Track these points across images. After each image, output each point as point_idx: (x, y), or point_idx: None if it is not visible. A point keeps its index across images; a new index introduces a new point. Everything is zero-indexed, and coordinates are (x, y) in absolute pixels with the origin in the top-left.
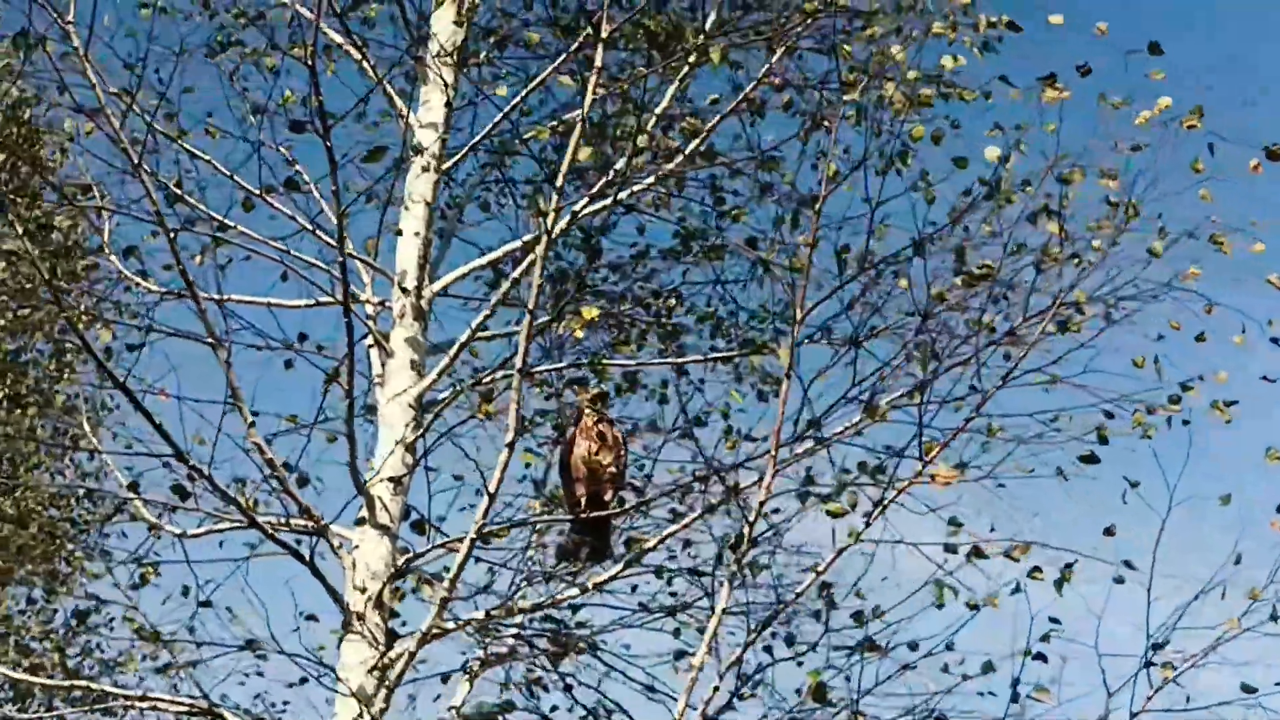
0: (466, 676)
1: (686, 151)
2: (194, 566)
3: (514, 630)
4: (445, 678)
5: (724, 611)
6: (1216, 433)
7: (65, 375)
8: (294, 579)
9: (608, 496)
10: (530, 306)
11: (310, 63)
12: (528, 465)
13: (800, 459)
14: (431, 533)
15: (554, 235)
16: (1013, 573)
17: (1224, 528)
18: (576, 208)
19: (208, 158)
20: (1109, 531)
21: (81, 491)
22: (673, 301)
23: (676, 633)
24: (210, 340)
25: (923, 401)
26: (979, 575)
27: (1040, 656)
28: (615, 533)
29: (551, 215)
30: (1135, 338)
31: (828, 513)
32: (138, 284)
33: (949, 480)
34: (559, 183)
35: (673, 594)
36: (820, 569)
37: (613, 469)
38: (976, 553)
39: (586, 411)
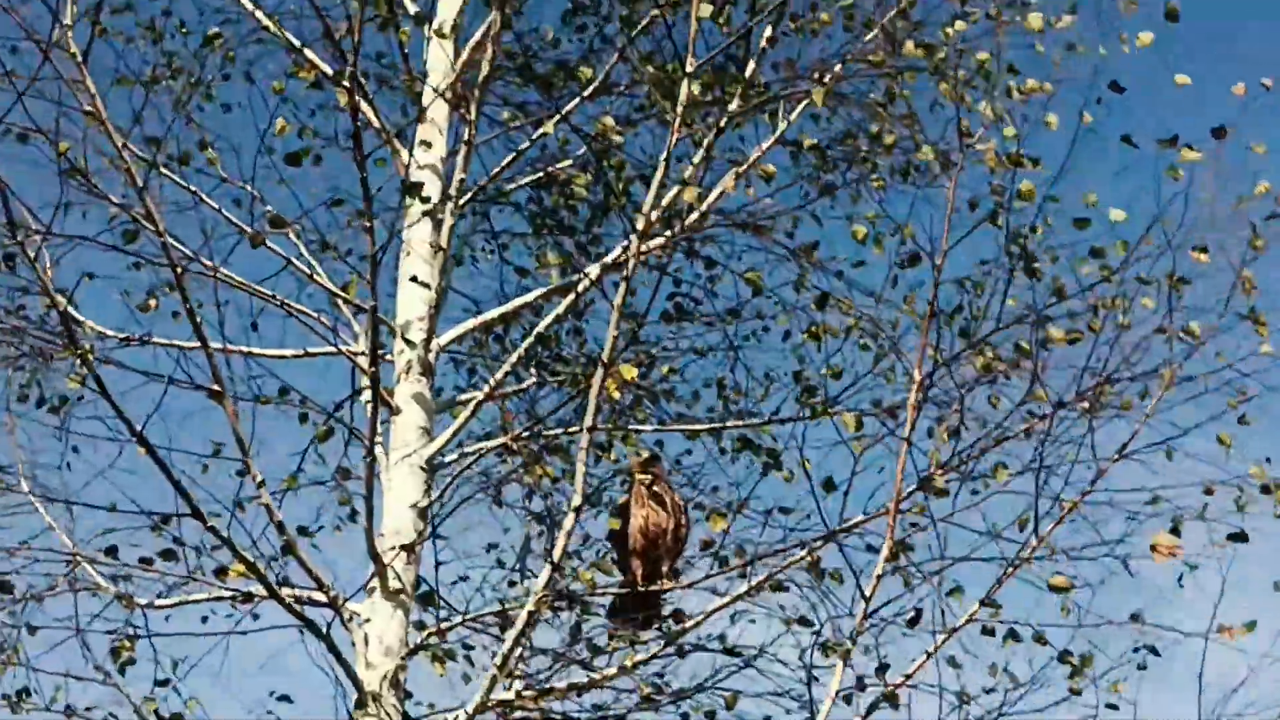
0: None
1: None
2: (155, 643)
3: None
4: None
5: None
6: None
7: None
8: (273, 659)
9: (665, 568)
10: (606, 358)
11: (349, 85)
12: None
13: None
14: (440, 605)
15: (630, 275)
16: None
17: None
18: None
19: (194, 189)
20: (1135, 618)
21: None
22: (666, 369)
23: (685, 717)
24: (215, 389)
25: (1039, 467)
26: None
27: None
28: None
29: (634, 259)
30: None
31: (1050, 587)
32: (87, 326)
33: (1173, 551)
34: (641, 225)
35: (659, 677)
36: (936, 645)
37: (680, 536)
38: (1013, 635)
39: (639, 477)
